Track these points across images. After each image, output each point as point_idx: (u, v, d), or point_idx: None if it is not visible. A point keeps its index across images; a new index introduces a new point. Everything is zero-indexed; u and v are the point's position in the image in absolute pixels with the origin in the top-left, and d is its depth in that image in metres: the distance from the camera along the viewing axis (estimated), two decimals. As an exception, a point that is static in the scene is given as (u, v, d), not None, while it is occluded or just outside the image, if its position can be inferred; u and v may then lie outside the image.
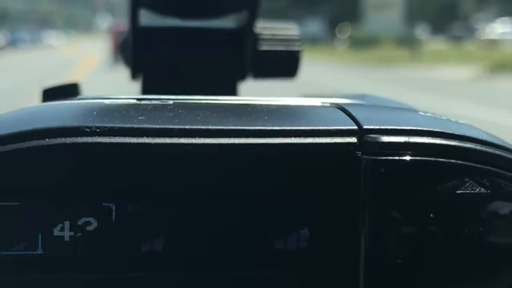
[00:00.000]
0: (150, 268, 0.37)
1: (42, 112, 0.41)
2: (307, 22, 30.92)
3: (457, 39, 25.83)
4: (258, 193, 0.38)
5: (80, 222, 0.37)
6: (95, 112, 0.40)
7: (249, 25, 0.65)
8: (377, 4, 26.38)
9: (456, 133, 0.39)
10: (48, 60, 17.96)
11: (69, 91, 0.57)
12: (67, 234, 0.37)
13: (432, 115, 0.44)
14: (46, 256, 0.37)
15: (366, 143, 0.38)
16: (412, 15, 20.57)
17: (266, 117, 0.40)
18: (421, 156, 0.38)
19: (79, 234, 0.37)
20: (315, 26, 31.05)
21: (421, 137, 0.38)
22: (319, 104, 0.46)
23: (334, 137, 0.38)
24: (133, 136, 0.36)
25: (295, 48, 0.69)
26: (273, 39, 0.68)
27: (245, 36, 0.66)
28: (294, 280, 0.38)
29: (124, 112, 0.40)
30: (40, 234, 0.36)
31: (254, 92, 0.52)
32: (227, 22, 0.68)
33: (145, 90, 0.67)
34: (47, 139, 0.36)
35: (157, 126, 0.37)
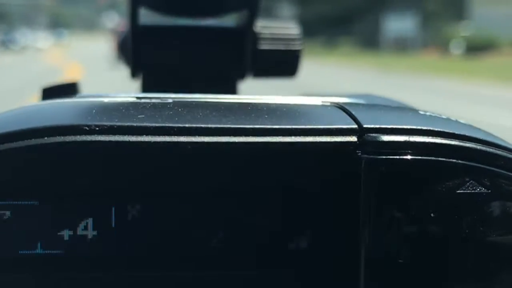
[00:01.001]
0: (149, 267, 0.37)
1: (41, 111, 0.41)
2: (390, 18, 22.87)
3: None
4: (258, 192, 0.37)
5: (79, 221, 0.37)
6: (94, 111, 0.39)
7: (249, 24, 0.65)
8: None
9: (456, 132, 0.39)
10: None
11: (68, 89, 0.57)
12: (66, 233, 0.37)
13: (432, 114, 0.44)
14: (45, 256, 0.36)
15: (366, 142, 0.38)
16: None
17: (266, 116, 0.40)
18: (421, 156, 0.38)
19: (78, 233, 0.37)
20: (402, 24, 22.42)
21: (421, 137, 0.38)
22: (319, 103, 0.46)
23: (334, 136, 0.38)
24: (133, 134, 0.36)
25: (295, 47, 0.69)
26: (273, 38, 0.68)
27: (245, 35, 0.66)
28: (294, 280, 0.38)
29: (124, 110, 0.40)
30: (38, 233, 0.36)
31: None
32: (227, 21, 0.68)
33: (144, 89, 0.67)
34: (46, 138, 0.36)
35: (157, 125, 0.37)
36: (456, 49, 19.80)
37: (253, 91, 0.52)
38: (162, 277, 0.38)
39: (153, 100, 0.44)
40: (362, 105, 0.47)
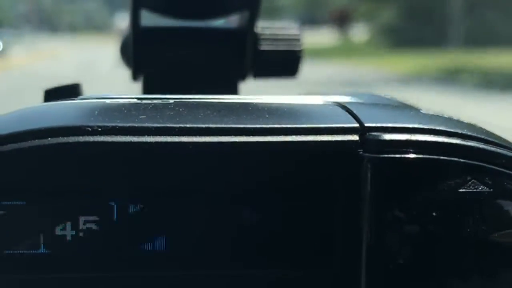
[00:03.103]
0: (151, 268, 0.37)
1: (43, 112, 0.41)
2: None
3: None
4: (259, 192, 0.37)
5: (82, 221, 0.37)
6: (96, 112, 0.40)
7: (249, 25, 0.65)
8: None
9: (458, 131, 0.39)
10: None
11: (71, 91, 0.58)
12: (69, 233, 0.37)
13: (434, 113, 0.44)
14: (48, 256, 0.37)
15: (367, 141, 0.38)
16: None
17: (267, 115, 0.40)
18: (423, 154, 0.38)
19: (81, 234, 0.37)
20: None
21: (423, 135, 0.38)
22: (321, 102, 0.46)
23: (335, 135, 0.38)
24: (134, 135, 0.36)
25: (296, 48, 0.69)
26: (274, 39, 0.68)
27: (245, 35, 0.66)
28: (294, 280, 0.38)
29: (126, 111, 0.40)
30: (42, 234, 0.37)
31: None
32: (228, 22, 0.68)
33: (146, 90, 0.67)
34: (48, 139, 0.36)
35: (158, 125, 0.37)
36: None
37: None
38: (162, 277, 0.38)
39: (155, 101, 0.44)
40: (364, 103, 0.47)
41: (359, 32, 23.05)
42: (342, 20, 22.87)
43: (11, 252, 0.36)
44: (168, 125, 0.37)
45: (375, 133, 0.38)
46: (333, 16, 22.67)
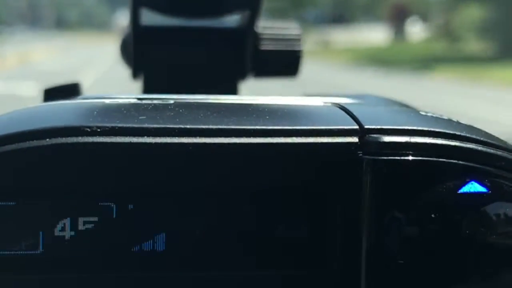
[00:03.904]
0: (150, 268, 0.37)
1: (42, 112, 0.41)
2: None
3: None
4: (259, 193, 0.38)
5: (80, 222, 0.37)
6: (95, 112, 0.40)
7: (250, 24, 0.65)
8: None
9: (457, 133, 0.39)
10: None
11: (70, 91, 0.58)
12: (67, 234, 0.37)
13: (433, 115, 0.44)
14: (46, 256, 0.37)
15: (367, 143, 0.38)
16: None
17: (267, 117, 0.40)
18: (422, 156, 0.38)
19: (80, 234, 0.37)
20: None
21: (422, 137, 0.38)
22: (321, 103, 0.46)
23: (335, 137, 0.38)
24: (134, 135, 0.36)
25: (296, 48, 0.69)
26: (274, 39, 0.68)
27: (246, 35, 0.66)
28: (294, 280, 0.38)
29: (125, 111, 0.40)
30: (40, 234, 0.36)
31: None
32: (228, 21, 0.68)
33: (146, 90, 0.67)
34: (47, 139, 0.36)
35: (158, 126, 0.37)
36: None
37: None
38: (161, 278, 0.38)
39: (154, 101, 0.44)
40: (363, 105, 0.47)
41: (416, 30, 19.55)
42: (399, 17, 19.70)
43: (8, 252, 0.36)
44: (168, 126, 0.37)
45: (374, 135, 0.38)
46: (390, 12, 19.74)
